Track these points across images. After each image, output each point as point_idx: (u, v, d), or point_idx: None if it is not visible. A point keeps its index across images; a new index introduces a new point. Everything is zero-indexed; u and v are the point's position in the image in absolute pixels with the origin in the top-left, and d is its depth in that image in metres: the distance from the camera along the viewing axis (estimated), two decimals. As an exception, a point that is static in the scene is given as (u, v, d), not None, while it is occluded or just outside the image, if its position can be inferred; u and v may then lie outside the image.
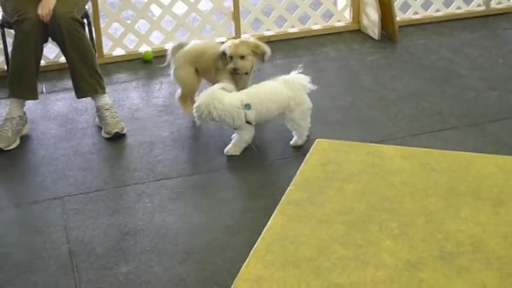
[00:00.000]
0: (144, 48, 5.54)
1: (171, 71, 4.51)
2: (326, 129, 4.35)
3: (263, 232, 2.10)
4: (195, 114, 4.06)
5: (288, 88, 4.08)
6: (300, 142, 4.15)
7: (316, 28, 5.92)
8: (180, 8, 5.61)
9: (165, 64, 4.60)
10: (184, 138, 4.30)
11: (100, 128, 4.38)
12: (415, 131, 4.32)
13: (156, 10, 5.91)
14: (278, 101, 4.08)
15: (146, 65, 5.39)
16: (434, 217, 2.15)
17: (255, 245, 2.05)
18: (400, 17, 6.00)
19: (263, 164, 4.02)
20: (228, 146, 4.11)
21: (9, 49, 4.44)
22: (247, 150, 4.14)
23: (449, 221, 2.12)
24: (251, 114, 4.02)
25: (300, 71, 4.17)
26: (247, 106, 4.01)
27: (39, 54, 4.29)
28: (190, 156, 4.11)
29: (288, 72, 4.20)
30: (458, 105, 4.63)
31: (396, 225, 2.11)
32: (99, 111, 4.38)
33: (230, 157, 4.08)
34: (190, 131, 4.37)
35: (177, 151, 4.16)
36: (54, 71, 5.26)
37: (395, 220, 2.14)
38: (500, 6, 6.31)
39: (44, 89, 5.01)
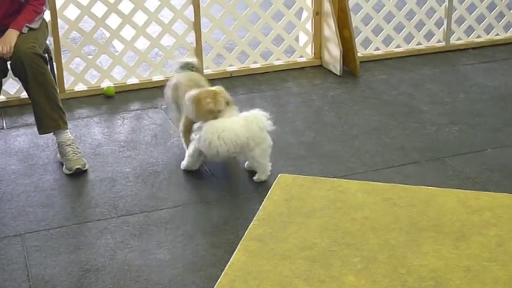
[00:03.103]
0: (106, 84, 5.52)
1: None
2: (289, 164, 4.35)
3: (226, 268, 2.09)
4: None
5: (246, 129, 4.05)
6: (264, 177, 4.14)
7: (278, 64, 5.96)
8: (142, 43, 5.61)
9: None
10: (146, 174, 4.27)
11: (61, 164, 4.34)
12: (377, 166, 4.34)
13: (118, 45, 5.91)
14: (236, 141, 4.06)
15: (108, 100, 5.37)
16: (396, 252, 2.15)
17: (218, 281, 2.03)
18: (361, 52, 6.07)
19: (226, 199, 4.01)
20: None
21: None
22: (210, 185, 4.13)
23: (411, 256, 2.12)
24: None
25: (261, 108, 4.17)
26: None
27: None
28: (153, 192, 4.08)
29: (250, 107, 4.21)
30: (419, 140, 4.66)
31: (359, 260, 2.11)
32: (60, 147, 4.34)
33: (192, 192, 4.06)
34: (152, 166, 4.35)
35: (139, 187, 4.14)
36: (15, 107, 5.22)
37: (357, 255, 2.14)
38: (460, 42, 6.42)
39: (4, 124, 4.97)
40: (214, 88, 4.20)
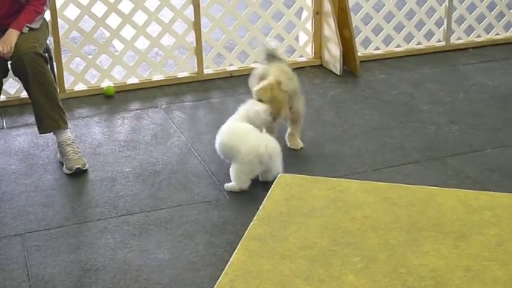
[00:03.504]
0: (106, 83, 5.52)
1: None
2: (289, 164, 4.35)
3: (226, 268, 2.09)
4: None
5: (247, 145, 3.99)
6: (229, 188, 4.08)
7: (278, 63, 5.94)
8: (142, 43, 5.61)
9: None
10: (146, 174, 4.27)
11: (61, 164, 4.34)
12: (377, 166, 4.34)
13: (118, 45, 5.91)
14: (222, 148, 4.16)
15: (108, 100, 5.37)
16: (396, 251, 2.15)
17: (218, 281, 2.03)
18: (361, 52, 6.06)
19: (226, 198, 4.01)
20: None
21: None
22: (210, 185, 4.13)
23: (411, 255, 2.12)
24: None
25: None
26: None
27: (-1, 89, 4.27)
28: (153, 192, 4.08)
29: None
30: (419, 140, 4.66)
31: (359, 259, 2.11)
32: (60, 146, 4.34)
33: (192, 192, 4.06)
34: (152, 166, 4.35)
35: (139, 186, 4.14)
36: (15, 106, 5.22)
37: (357, 255, 2.13)
38: (460, 41, 6.41)
39: (4, 124, 4.97)
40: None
